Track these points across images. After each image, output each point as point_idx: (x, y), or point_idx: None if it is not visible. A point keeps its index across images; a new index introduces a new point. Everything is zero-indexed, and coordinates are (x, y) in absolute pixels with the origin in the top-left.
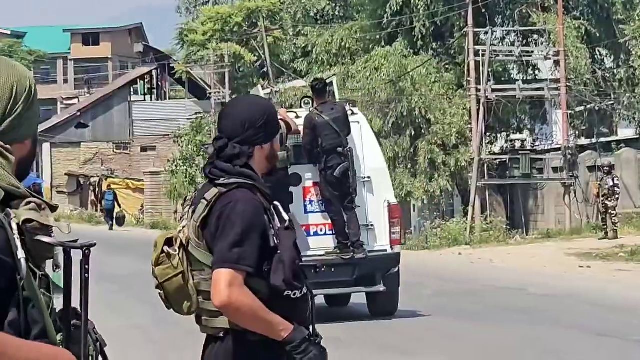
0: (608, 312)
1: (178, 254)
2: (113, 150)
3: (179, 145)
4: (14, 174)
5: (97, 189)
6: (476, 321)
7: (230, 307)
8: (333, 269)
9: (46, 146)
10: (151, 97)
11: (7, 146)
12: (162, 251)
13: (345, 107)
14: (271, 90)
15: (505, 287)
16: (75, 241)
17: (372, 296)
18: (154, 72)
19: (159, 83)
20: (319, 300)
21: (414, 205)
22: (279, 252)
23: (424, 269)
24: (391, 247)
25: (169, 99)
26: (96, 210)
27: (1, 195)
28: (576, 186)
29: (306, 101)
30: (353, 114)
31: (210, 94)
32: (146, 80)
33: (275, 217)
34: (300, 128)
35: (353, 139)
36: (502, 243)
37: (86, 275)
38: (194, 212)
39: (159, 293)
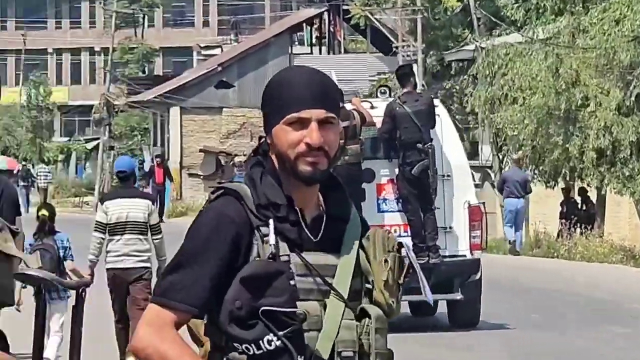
0: None
1: None
2: None
3: None
4: None
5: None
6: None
7: (141, 353)
8: None
9: (174, 111)
10: (320, 49)
11: None
12: None
13: (432, 98)
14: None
15: None
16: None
17: (452, 305)
18: (324, 16)
19: (331, 30)
20: (404, 308)
21: None
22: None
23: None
24: (471, 252)
25: (344, 51)
26: None
27: None
28: None
29: (383, 90)
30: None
31: (396, 47)
32: (314, 27)
33: (270, 240)
34: (376, 119)
35: (435, 133)
36: None
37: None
38: None
39: None
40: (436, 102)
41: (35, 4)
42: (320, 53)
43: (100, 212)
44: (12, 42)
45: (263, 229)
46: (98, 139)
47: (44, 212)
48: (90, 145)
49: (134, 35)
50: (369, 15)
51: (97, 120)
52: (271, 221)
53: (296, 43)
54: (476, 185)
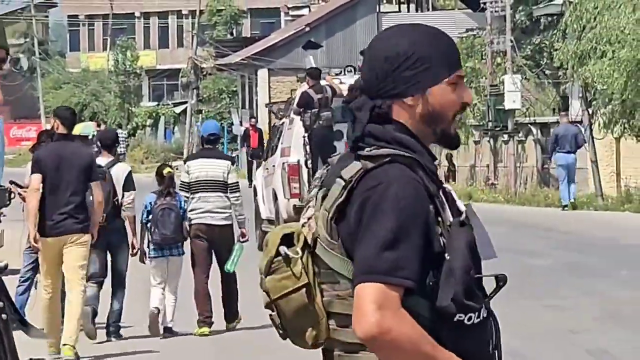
0: None
1: (301, 258)
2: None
3: None
4: None
5: None
6: None
7: (381, 339)
8: None
9: (262, 73)
10: (408, 7)
11: None
12: (277, 253)
13: None
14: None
15: None
16: None
17: None
18: None
19: None
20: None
21: None
22: (447, 258)
23: None
24: None
25: (433, 9)
26: None
27: None
28: None
29: (349, 69)
30: None
31: (485, 3)
32: None
33: (446, 206)
34: (344, 92)
35: None
36: None
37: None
38: (324, 197)
39: (271, 315)
40: None
41: None
42: (408, 11)
43: (183, 172)
44: (100, 7)
45: (437, 197)
46: (186, 102)
47: (169, 170)
48: (178, 110)
49: None
50: None
51: (185, 84)
52: (446, 186)
53: (384, 1)
54: None
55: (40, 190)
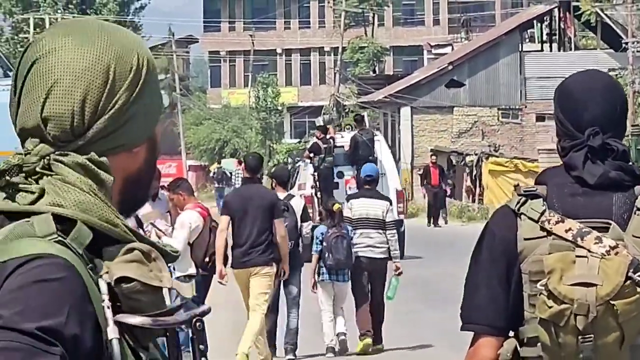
0: None
1: None
2: (498, 119)
3: None
4: (116, 201)
5: (474, 172)
6: None
7: None
8: None
9: (405, 111)
10: (550, 46)
11: (102, 159)
12: (628, 278)
13: (373, 132)
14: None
15: None
16: (182, 307)
17: None
18: (554, 12)
19: (561, 27)
20: None
21: None
22: None
23: None
24: (398, 215)
25: (575, 48)
26: (473, 201)
27: (87, 239)
28: None
29: (348, 127)
30: (375, 135)
31: (626, 43)
32: (544, 23)
33: None
34: (344, 143)
35: (375, 151)
36: None
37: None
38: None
39: (586, 341)
40: (376, 132)
41: (264, 4)
42: (550, 50)
43: (346, 208)
44: (241, 43)
45: None
46: None
47: (338, 205)
48: None
49: (364, 34)
50: (599, 12)
51: (327, 121)
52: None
53: (526, 40)
54: None
55: (227, 231)
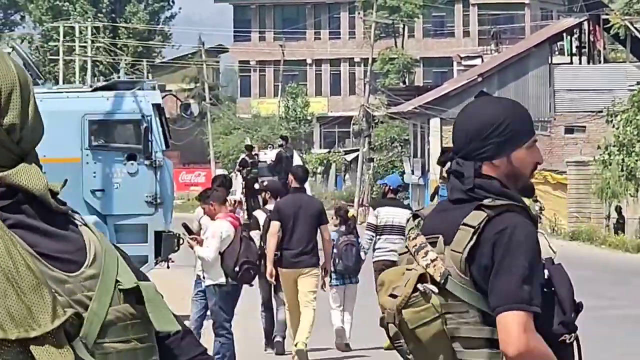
0: None
1: (436, 294)
2: None
3: (614, 125)
4: None
5: None
6: None
7: (528, 357)
8: None
9: (434, 122)
10: (580, 59)
11: None
12: (415, 289)
13: (293, 150)
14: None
15: None
16: None
17: None
18: (584, 25)
19: (591, 40)
20: None
21: None
22: (553, 288)
23: None
24: None
25: (604, 61)
26: None
27: None
28: None
29: (279, 142)
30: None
31: None
32: (574, 36)
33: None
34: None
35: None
36: None
37: None
38: (433, 242)
39: (399, 346)
40: (294, 150)
41: (294, 15)
42: (580, 63)
43: (372, 215)
44: (271, 53)
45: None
46: (357, 150)
47: (353, 214)
48: (349, 157)
49: (394, 45)
50: (629, 25)
51: (357, 131)
52: (540, 231)
53: (556, 53)
54: None
55: (278, 235)
